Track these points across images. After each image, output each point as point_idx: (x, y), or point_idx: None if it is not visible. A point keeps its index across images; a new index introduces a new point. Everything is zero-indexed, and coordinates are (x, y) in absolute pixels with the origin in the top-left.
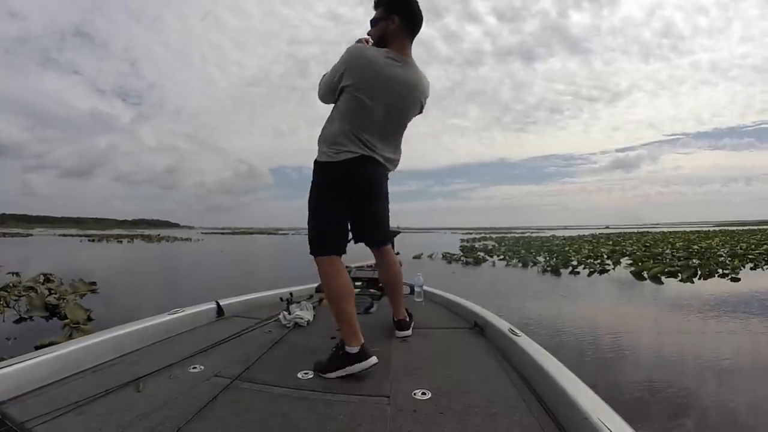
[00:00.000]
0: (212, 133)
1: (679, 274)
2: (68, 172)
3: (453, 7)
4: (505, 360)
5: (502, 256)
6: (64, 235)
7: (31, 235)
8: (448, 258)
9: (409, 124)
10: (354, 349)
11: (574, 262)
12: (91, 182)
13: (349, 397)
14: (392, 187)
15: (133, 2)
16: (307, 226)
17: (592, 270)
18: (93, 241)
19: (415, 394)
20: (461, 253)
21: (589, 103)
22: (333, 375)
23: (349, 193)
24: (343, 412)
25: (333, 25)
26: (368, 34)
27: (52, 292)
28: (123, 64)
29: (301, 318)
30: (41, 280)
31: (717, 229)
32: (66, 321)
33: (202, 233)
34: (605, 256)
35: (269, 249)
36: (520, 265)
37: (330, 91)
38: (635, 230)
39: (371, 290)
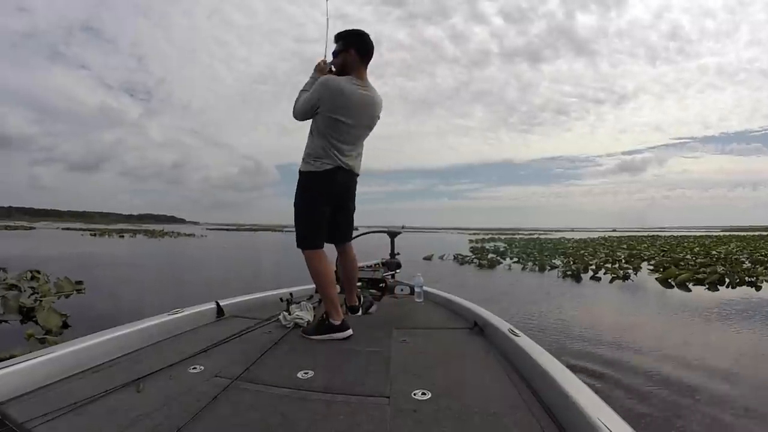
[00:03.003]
0: (218, 129)
1: (707, 282)
2: (75, 166)
3: (460, 7)
4: (505, 360)
5: (516, 259)
6: (67, 229)
7: (34, 228)
8: (460, 260)
9: (414, 124)
10: (336, 323)
11: (594, 267)
12: (98, 176)
13: (349, 397)
14: (397, 186)
15: None
16: (295, 224)
17: (614, 276)
18: (94, 235)
19: (415, 394)
20: (473, 255)
21: (596, 105)
22: (317, 337)
23: (328, 196)
24: (343, 412)
25: (340, 24)
26: (332, 63)
27: (35, 291)
28: (131, 59)
29: (301, 318)
30: (27, 278)
31: (726, 234)
32: (29, 332)
33: (206, 229)
34: (623, 261)
35: (272, 246)
36: (536, 268)
37: (308, 114)
38: (644, 234)
39: (371, 290)
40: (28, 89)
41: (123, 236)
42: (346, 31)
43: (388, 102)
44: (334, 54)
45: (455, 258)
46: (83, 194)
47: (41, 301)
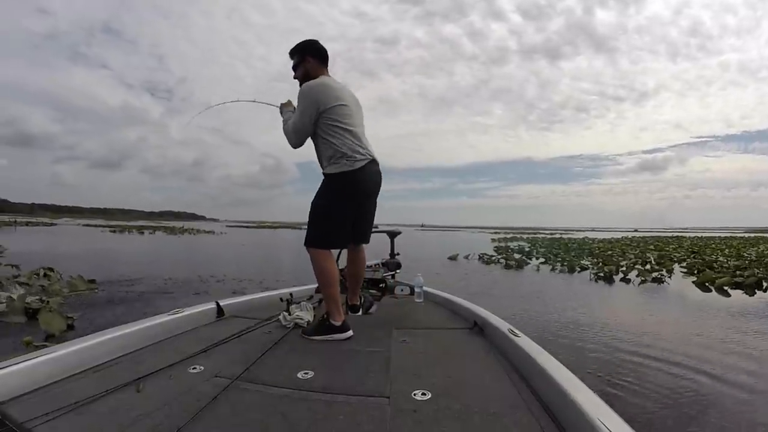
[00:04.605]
0: (239, 127)
1: (745, 286)
2: (97, 164)
3: (478, 5)
4: (505, 360)
5: (543, 259)
6: (88, 225)
7: (55, 224)
8: (486, 259)
9: (433, 122)
10: (337, 323)
11: (624, 269)
12: (120, 174)
13: (349, 397)
14: (416, 184)
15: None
16: (311, 223)
17: (646, 279)
18: (114, 231)
19: (415, 394)
20: (498, 255)
21: (616, 103)
22: (318, 338)
23: (357, 196)
24: (343, 412)
25: (358, 23)
26: (295, 78)
27: (45, 290)
28: (151, 59)
29: (301, 318)
30: (40, 275)
31: (751, 235)
32: (26, 339)
33: (226, 226)
34: (654, 263)
35: (292, 243)
36: (566, 270)
37: (308, 128)
38: (667, 234)
39: (371, 290)
40: (50, 89)
41: (143, 233)
42: (296, 45)
43: (407, 100)
44: (294, 68)
45: (480, 258)
46: (105, 191)
47: (48, 301)
